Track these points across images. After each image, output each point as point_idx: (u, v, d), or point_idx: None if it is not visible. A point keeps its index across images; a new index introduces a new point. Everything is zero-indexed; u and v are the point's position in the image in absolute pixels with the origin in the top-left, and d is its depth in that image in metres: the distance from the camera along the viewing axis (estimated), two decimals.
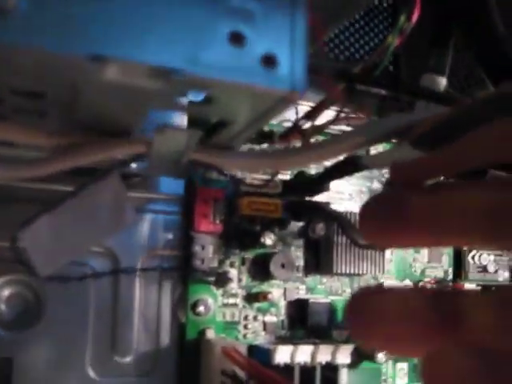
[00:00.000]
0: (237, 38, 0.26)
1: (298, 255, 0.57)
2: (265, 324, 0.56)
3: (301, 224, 0.56)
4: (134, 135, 0.35)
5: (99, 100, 0.30)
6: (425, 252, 0.64)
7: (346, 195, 0.60)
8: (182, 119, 0.37)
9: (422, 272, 0.63)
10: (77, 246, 0.37)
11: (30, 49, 0.23)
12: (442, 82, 0.43)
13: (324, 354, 0.51)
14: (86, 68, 0.24)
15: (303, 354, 0.51)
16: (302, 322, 0.56)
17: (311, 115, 0.42)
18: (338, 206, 0.58)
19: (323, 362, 0.51)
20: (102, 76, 0.25)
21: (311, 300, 0.56)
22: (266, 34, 0.27)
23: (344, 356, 0.52)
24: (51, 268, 0.39)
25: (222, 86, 0.26)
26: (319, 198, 0.56)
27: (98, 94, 0.28)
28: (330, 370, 0.52)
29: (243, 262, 0.55)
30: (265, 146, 0.52)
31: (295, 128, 0.42)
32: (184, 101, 0.28)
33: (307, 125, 0.43)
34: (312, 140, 0.43)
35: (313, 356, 0.51)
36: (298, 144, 0.43)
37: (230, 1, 0.26)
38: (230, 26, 0.26)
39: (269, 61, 0.26)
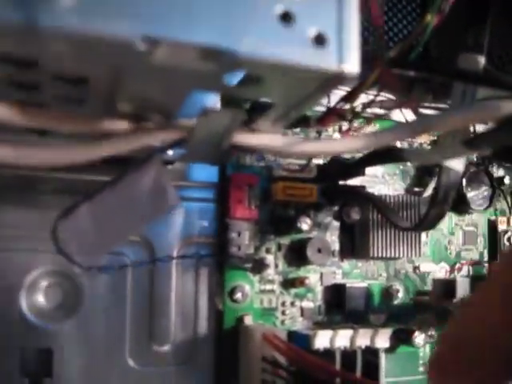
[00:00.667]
0: (286, 17, 0.26)
1: (333, 239, 0.56)
2: (302, 310, 0.55)
3: (336, 208, 0.56)
4: (172, 119, 0.34)
5: (142, 84, 0.29)
6: (460, 234, 0.63)
7: (380, 178, 0.59)
8: (217, 101, 0.37)
9: (458, 254, 0.63)
10: (118, 235, 0.37)
11: (82, 32, 0.23)
12: (481, 60, 0.42)
13: (363, 338, 0.51)
14: (135, 50, 0.24)
15: (343, 338, 0.50)
16: (339, 306, 0.56)
17: (349, 98, 0.41)
18: (372, 189, 0.58)
19: (363, 346, 0.51)
20: (151, 59, 0.25)
21: (348, 284, 0.56)
22: (314, 13, 0.26)
23: (383, 340, 0.52)
24: (92, 258, 0.39)
25: (271, 66, 0.26)
26: (353, 181, 0.55)
27: (142, 78, 0.28)
28: (371, 353, 0.51)
29: (279, 248, 0.55)
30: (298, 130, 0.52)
31: (333, 111, 0.41)
32: (232, 81, 0.28)
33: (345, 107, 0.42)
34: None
35: (352, 340, 0.51)
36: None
37: None
38: (279, 6, 0.25)
39: (318, 40, 0.26)
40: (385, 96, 0.49)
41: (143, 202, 0.36)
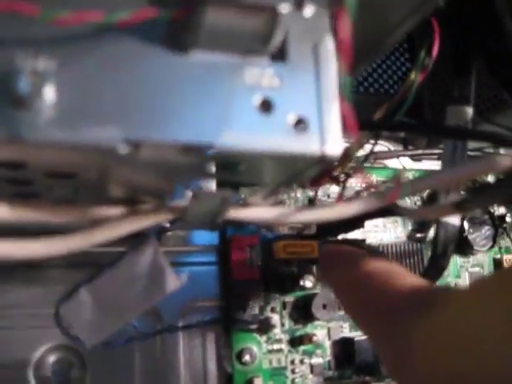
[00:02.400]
0: (265, 106, 0.26)
1: None
2: (312, 366, 0.55)
3: None
4: (166, 201, 0.35)
5: (131, 175, 0.30)
6: (466, 276, 0.63)
7: (381, 227, 0.59)
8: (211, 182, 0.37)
9: None
10: (120, 317, 0.37)
11: (64, 145, 0.23)
12: (469, 112, 0.42)
13: None
14: (118, 154, 0.24)
15: None
16: (349, 360, 0.56)
17: (341, 160, 0.41)
18: (374, 239, 0.58)
19: None
20: (135, 158, 0.25)
21: (356, 338, 0.55)
22: (293, 98, 0.26)
23: None
24: (97, 338, 0.39)
25: (253, 155, 0.26)
26: (354, 233, 0.56)
27: (129, 171, 0.29)
28: None
29: (284, 306, 0.55)
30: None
31: (325, 173, 0.42)
32: (214, 169, 0.28)
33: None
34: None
35: None
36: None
37: (252, 70, 0.26)
38: (257, 96, 0.26)
39: (299, 125, 0.26)
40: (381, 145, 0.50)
41: (142, 284, 0.36)
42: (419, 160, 0.61)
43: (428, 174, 0.36)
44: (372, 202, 0.36)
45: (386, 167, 0.59)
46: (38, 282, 0.48)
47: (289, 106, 0.26)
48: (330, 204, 0.37)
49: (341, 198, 0.40)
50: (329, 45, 0.28)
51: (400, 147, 0.59)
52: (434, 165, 0.62)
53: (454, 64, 0.44)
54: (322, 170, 0.44)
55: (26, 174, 0.29)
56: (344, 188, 0.39)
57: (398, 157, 0.58)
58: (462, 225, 0.59)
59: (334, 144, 0.27)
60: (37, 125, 0.23)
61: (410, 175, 0.61)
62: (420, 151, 0.57)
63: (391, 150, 0.57)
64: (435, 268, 0.43)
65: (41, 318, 0.47)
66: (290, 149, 0.26)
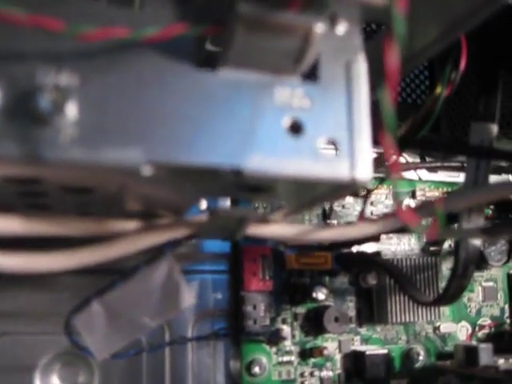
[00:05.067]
0: (295, 128, 0.25)
1: (349, 305, 0.55)
2: (321, 380, 0.54)
3: (351, 274, 0.55)
4: (183, 215, 0.34)
5: (149, 192, 0.29)
6: (479, 290, 0.62)
7: (395, 239, 0.58)
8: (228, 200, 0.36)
9: (478, 311, 0.61)
10: (131, 331, 0.36)
11: (85, 165, 0.22)
12: (493, 129, 0.41)
13: None
14: (141, 175, 0.23)
15: None
16: (359, 374, 0.55)
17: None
18: (388, 252, 0.57)
19: None
20: (158, 178, 0.24)
21: (367, 352, 0.54)
22: (324, 120, 0.25)
23: None
24: (107, 351, 0.38)
25: (280, 179, 0.25)
26: (368, 246, 0.55)
27: (148, 189, 0.28)
28: None
29: (295, 318, 0.54)
30: None
31: None
32: (242, 190, 0.27)
33: None
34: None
35: None
36: None
37: (282, 90, 0.25)
38: (287, 118, 0.25)
39: (329, 148, 0.25)
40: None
41: (156, 298, 0.35)
42: (435, 171, 0.60)
43: (453, 196, 0.35)
44: (394, 223, 0.35)
45: (402, 179, 0.58)
46: (46, 288, 0.47)
47: (319, 128, 0.25)
48: (352, 223, 0.36)
49: (362, 215, 0.39)
50: (361, 64, 0.27)
51: (417, 158, 0.58)
52: (450, 176, 0.61)
53: (481, 80, 0.43)
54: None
55: (41, 188, 0.28)
56: (365, 204, 0.38)
57: (415, 169, 0.57)
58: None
59: (365, 169, 0.25)
60: (57, 143, 0.22)
61: (425, 187, 0.60)
62: (438, 163, 0.56)
63: (409, 162, 0.56)
64: (455, 288, 0.42)
65: (48, 323, 0.46)
66: (319, 174, 0.25)
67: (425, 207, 0.32)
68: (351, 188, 0.26)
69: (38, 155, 0.22)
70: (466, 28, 0.31)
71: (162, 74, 0.24)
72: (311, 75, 0.25)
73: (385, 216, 0.36)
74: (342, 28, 0.27)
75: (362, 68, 0.27)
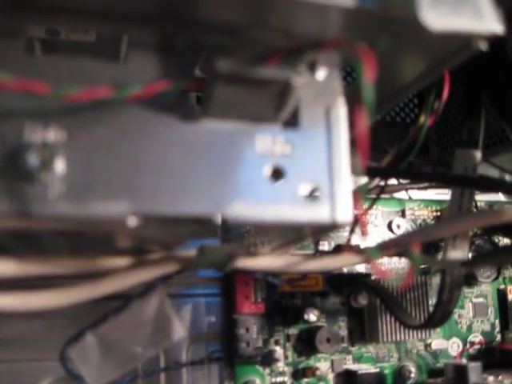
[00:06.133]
0: (276, 175, 0.26)
1: (341, 325, 0.56)
2: None
3: (342, 295, 0.56)
4: (172, 251, 0.35)
5: (137, 234, 0.30)
6: (469, 307, 0.62)
7: (385, 259, 0.59)
8: None
9: (469, 327, 0.62)
10: (126, 361, 0.37)
11: (73, 218, 0.23)
12: (477, 155, 0.42)
13: None
14: (127, 226, 0.24)
15: None
16: None
17: None
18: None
19: None
20: (145, 227, 0.25)
21: (359, 371, 0.55)
22: (304, 165, 0.26)
23: None
24: (102, 381, 0.39)
25: (263, 224, 0.26)
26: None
27: (137, 232, 0.28)
28: None
29: (288, 339, 0.54)
30: None
31: None
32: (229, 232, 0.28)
33: None
34: None
35: None
36: None
37: (263, 138, 0.26)
38: (268, 165, 0.26)
39: (310, 193, 0.26)
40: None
41: (148, 330, 0.36)
42: (425, 189, 0.61)
43: (435, 225, 0.36)
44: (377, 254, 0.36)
45: (392, 198, 0.59)
46: (41, 315, 0.48)
47: (300, 174, 0.26)
48: (339, 253, 0.37)
49: (349, 244, 0.39)
50: (341, 108, 0.27)
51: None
52: (439, 193, 0.62)
53: (464, 108, 0.44)
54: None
55: (33, 232, 0.29)
56: (352, 233, 0.39)
57: (406, 190, 0.58)
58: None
59: (345, 212, 0.26)
60: (45, 199, 0.23)
61: (415, 206, 0.61)
62: (427, 184, 0.57)
63: (400, 183, 0.57)
64: (441, 313, 0.43)
65: (44, 350, 0.47)
66: (300, 218, 0.26)
67: (401, 245, 0.33)
68: (332, 229, 0.27)
69: (26, 210, 0.22)
70: (450, 66, 0.32)
71: (147, 127, 0.24)
72: (292, 120, 0.26)
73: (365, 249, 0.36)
74: (321, 73, 0.27)
75: (341, 112, 0.27)
